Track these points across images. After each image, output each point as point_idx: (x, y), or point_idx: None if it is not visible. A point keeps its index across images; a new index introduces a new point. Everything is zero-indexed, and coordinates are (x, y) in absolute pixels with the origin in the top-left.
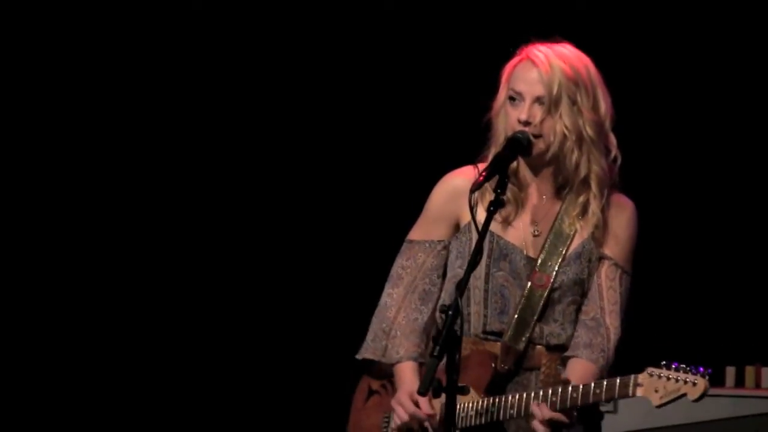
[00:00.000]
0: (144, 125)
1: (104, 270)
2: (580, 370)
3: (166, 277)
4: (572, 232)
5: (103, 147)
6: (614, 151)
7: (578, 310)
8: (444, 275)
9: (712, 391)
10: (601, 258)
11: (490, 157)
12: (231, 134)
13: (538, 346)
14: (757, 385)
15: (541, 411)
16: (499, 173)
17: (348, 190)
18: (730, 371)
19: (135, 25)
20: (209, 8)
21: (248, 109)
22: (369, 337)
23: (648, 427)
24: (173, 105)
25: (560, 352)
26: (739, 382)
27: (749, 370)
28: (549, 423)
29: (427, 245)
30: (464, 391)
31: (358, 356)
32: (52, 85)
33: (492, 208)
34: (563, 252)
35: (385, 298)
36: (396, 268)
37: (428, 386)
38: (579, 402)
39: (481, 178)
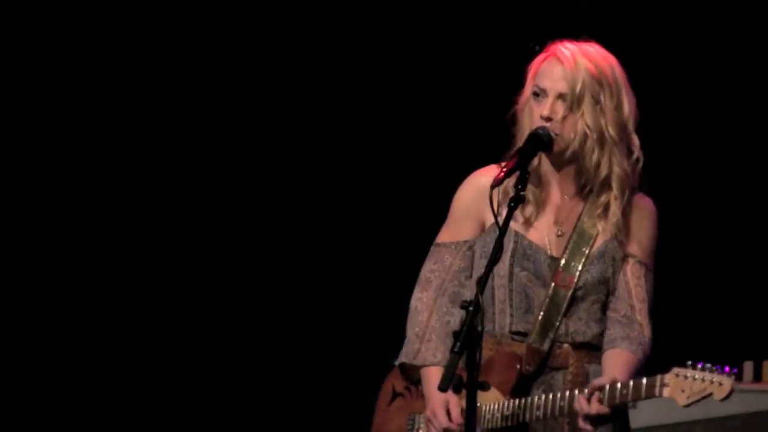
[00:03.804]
0: (144, 126)
1: (105, 270)
2: (619, 359)
3: (174, 278)
4: (595, 233)
5: (102, 147)
6: (636, 153)
7: (602, 309)
8: (472, 276)
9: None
10: (626, 257)
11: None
12: (242, 137)
13: (565, 345)
14: None
15: (590, 406)
16: (520, 169)
17: (374, 193)
18: (748, 366)
19: (134, 24)
20: (209, 8)
21: (263, 111)
22: (405, 342)
23: (666, 422)
24: (175, 105)
25: (587, 350)
26: (757, 376)
27: (767, 365)
28: (591, 417)
29: (453, 247)
30: (485, 387)
31: (396, 362)
32: (52, 85)
33: (512, 204)
34: (586, 252)
35: (415, 303)
36: (424, 272)
37: (449, 382)
38: (606, 403)
39: (502, 174)
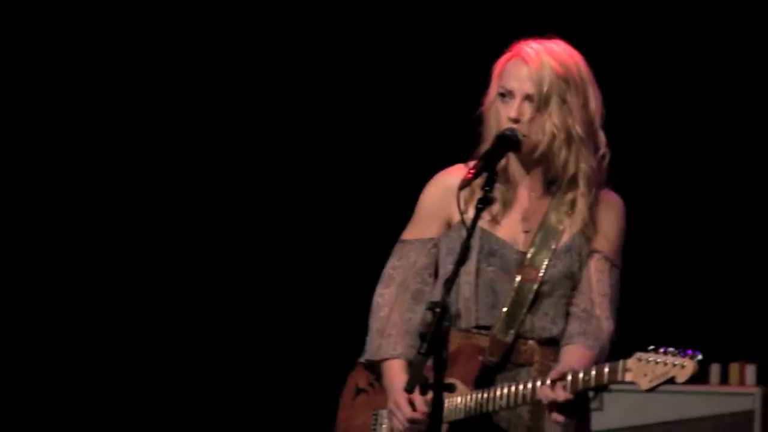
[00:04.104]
0: (139, 127)
1: (100, 271)
2: (574, 354)
3: (151, 276)
4: (561, 228)
5: (97, 147)
6: (603, 149)
7: (569, 305)
8: (436, 274)
9: (697, 387)
10: (591, 252)
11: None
12: (223, 136)
13: (530, 341)
14: (741, 383)
15: (555, 392)
16: (488, 170)
17: (339, 191)
18: (715, 368)
19: (130, 24)
20: (194, 8)
21: (239, 111)
22: (368, 339)
23: (633, 424)
24: (168, 106)
25: (553, 346)
26: (724, 379)
27: (733, 367)
28: (554, 404)
29: (418, 244)
30: (451, 389)
31: (361, 359)
32: (50, 85)
33: (480, 205)
34: (553, 246)
35: (377, 299)
36: (388, 269)
37: (415, 383)
38: (569, 389)
39: (470, 175)
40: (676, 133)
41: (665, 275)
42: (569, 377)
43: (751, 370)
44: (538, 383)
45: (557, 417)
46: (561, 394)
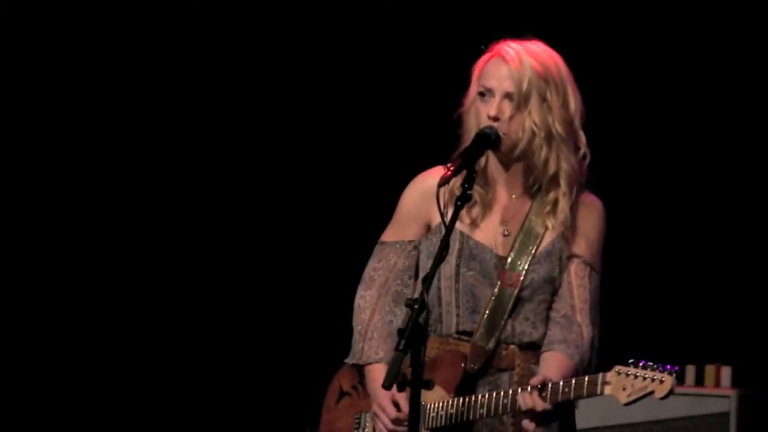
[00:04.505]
0: (118, 126)
1: (78, 269)
2: (555, 363)
3: (131, 277)
4: (542, 231)
5: (76, 148)
6: (583, 149)
7: (550, 309)
8: (416, 276)
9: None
10: (571, 256)
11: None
12: (201, 137)
13: (511, 346)
14: (717, 384)
15: (533, 401)
16: (467, 168)
17: (321, 193)
18: (690, 370)
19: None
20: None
21: (216, 114)
22: (352, 342)
23: (608, 424)
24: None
25: (533, 351)
26: (699, 381)
27: (709, 369)
28: (533, 413)
29: (399, 246)
30: (429, 386)
31: (347, 361)
32: (50, 85)
33: (459, 203)
34: (533, 251)
35: (358, 301)
36: (368, 270)
37: (393, 380)
38: (548, 400)
39: (449, 172)
40: (650, 137)
41: (643, 277)
42: (549, 388)
43: (726, 372)
44: (520, 391)
45: (528, 425)
46: (539, 404)
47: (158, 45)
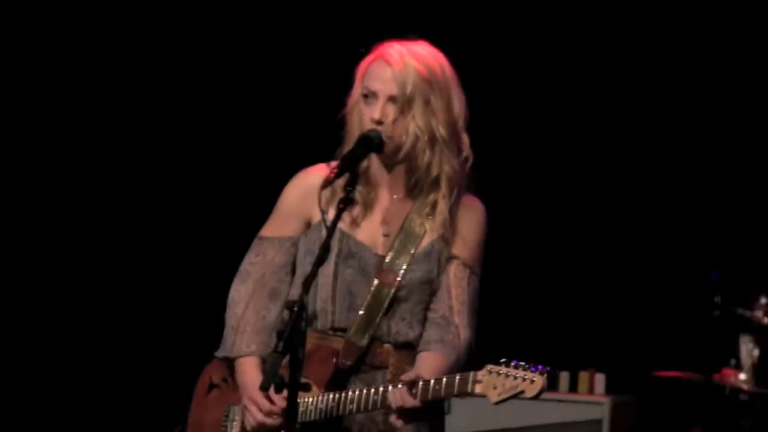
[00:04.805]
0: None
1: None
2: (430, 362)
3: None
4: (422, 232)
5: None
6: (466, 152)
7: (427, 309)
8: (293, 273)
9: (546, 395)
10: (450, 258)
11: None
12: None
13: (386, 345)
14: (591, 391)
15: (402, 398)
16: (350, 170)
17: (200, 186)
18: (564, 376)
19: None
20: None
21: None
22: (224, 335)
23: (479, 429)
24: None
25: (408, 350)
26: (573, 387)
27: (583, 376)
28: (402, 410)
29: (277, 242)
30: (306, 388)
31: (217, 353)
32: (42, 86)
33: (342, 205)
34: (412, 251)
35: (233, 294)
36: (245, 264)
37: (271, 381)
38: (419, 398)
39: (332, 174)
40: (532, 139)
41: (520, 283)
42: (419, 385)
43: (600, 379)
44: (391, 388)
45: (395, 421)
46: (408, 401)
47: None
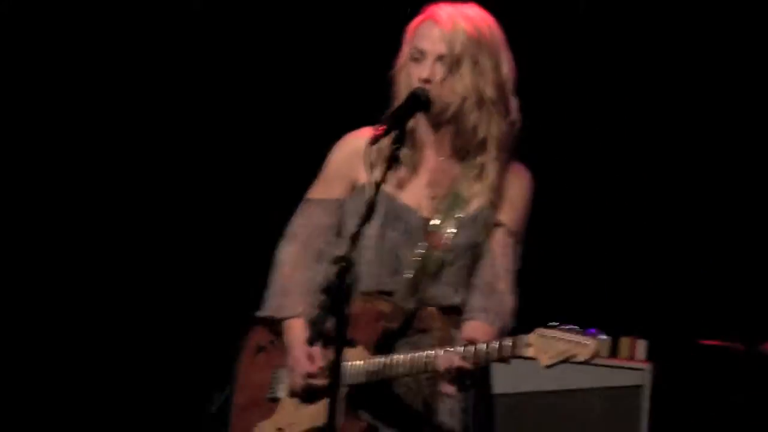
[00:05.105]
0: None
1: None
2: (475, 330)
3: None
4: (469, 196)
5: None
6: (514, 115)
7: (471, 274)
8: (339, 235)
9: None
10: (497, 224)
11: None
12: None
13: (431, 308)
14: (631, 357)
15: (454, 361)
16: (397, 128)
17: (247, 147)
18: (606, 340)
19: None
20: None
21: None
22: (268, 295)
23: (517, 391)
24: None
25: (454, 314)
26: (613, 352)
27: (624, 341)
28: (455, 372)
29: (324, 204)
30: (352, 344)
31: (260, 314)
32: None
33: (388, 163)
34: (459, 215)
35: (281, 256)
36: (292, 226)
37: (317, 338)
38: (470, 362)
39: (380, 131)
40: (578, 112)
41: (563, 248)
42: (471, 349)
43: (641, 346)
44: (440, 352)
45: (448, 389)
46: (459, 363)
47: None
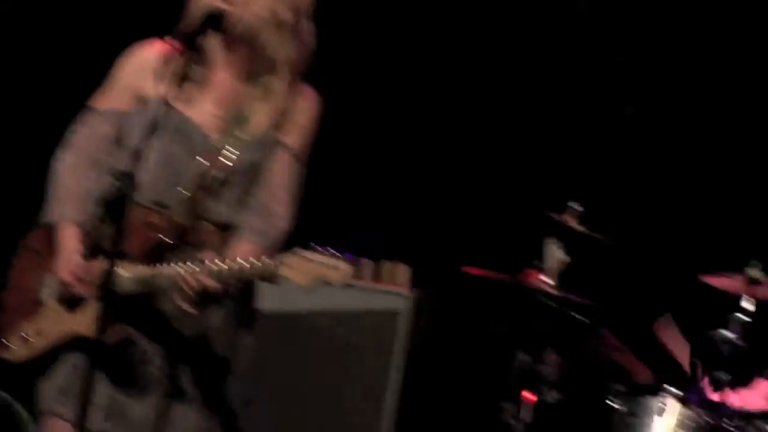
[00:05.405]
0: None
1: None
2: (242, 249)
3: None
4: (254, 116)
5: None
6: (307, 39)
7: (249, 194)
8: (120, 146)
9: (351, 282)
10: (279, 145)
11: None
12: None
13: (206, 224)
14: (393, 282)
15: (193, 277)
16: (189, 46)
17: (32, 50)
18: (368, 264)
19: None
20: None
21: None
22: (46, 201)
23: (278, 310)
24: None
25: (229, 232)
26: (377, 276)
27: (387, 267)
28: (198, 290)
29: (108, 114)
30: (124, 255)
31: (40, 220)
32: None
33: (176, 81)
34: (242, 136)
35: (58, 163)
36: (72, 135)
37: (91, 250)
38: (228, 277)
39: (171, 49)
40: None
41: (339, 172)
42: (225, 264)
43: (404, 271)
44: (194, 268)
45: (188, 303)
46: (209, 282)
47: None
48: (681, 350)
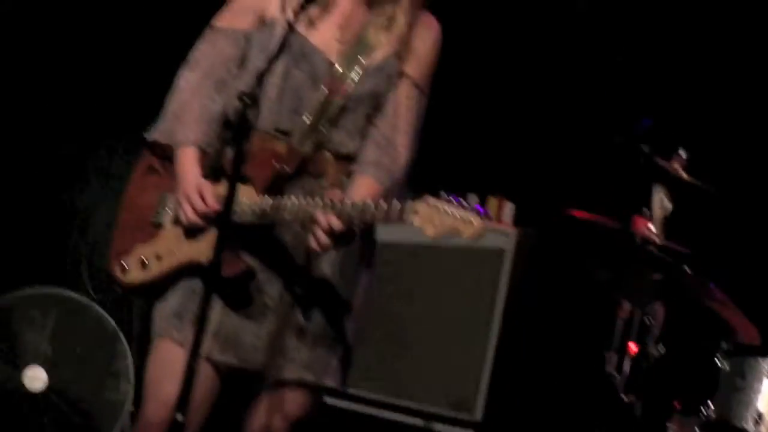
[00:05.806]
0: None
1: None
2: (364, 187)
3: None
4: (376, 44)
5: None
6: None
7: (370, 124)
8: (243, 67)
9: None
10: (402, 76)
11: None
12: None
13: (326, 153)
14: (498, 219)
15: (327, 219)
16: None
17: None
18: (472, 199)
19: None
20: None
21: None
22: (161, 119)
23: (384, 240)
24: None
25: (348, 162)
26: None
27: (492, 202)
28: (331, 233)
29: (231, 33)
30: (246, 181)
31: (148, 137)
32: None
33: (301, 4)
34: (365, 63)
35: (180, 81)
36: (195, 53)
37: (212, 171)
38: (357, 219)
39: None
40: None
41: (444, 104)
42: (360, 206)
43: (509, 208)
44: (320, 208)
45: (321, 241)
46: (336, 223)
47: None
48: None
